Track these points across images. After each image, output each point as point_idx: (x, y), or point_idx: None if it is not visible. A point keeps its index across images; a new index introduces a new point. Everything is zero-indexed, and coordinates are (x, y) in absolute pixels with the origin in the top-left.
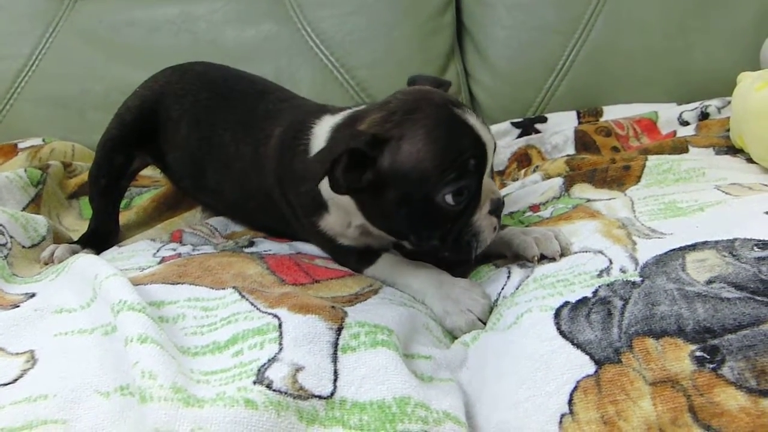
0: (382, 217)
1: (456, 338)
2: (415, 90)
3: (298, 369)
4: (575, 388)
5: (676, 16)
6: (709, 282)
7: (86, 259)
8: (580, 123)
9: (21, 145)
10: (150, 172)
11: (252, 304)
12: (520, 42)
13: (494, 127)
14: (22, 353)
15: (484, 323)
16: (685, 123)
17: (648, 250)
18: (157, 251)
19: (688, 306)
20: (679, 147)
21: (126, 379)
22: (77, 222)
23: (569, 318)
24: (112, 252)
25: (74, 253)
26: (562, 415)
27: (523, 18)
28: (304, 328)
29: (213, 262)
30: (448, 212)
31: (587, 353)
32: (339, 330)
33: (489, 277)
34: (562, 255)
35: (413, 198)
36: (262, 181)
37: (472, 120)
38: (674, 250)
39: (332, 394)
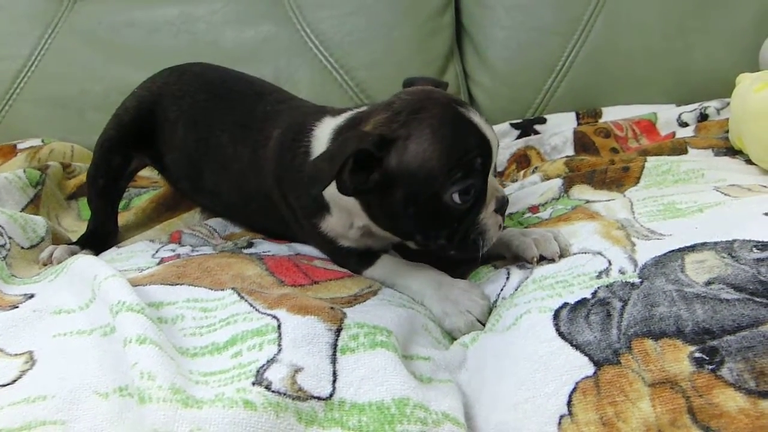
0: (389, 218)
1: (455, 339)
2: (418, 90)
3: (297, 370)
4: (574, 390)
5: (675, 17)
6: (708, 283)
7: (85, 260)
8: (579, 124)
9: (20, 146)
10: (148, 173)
11: (251, 305)
12: (519, 43)
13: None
14: (20, 354)
15: (483, 324)
16: (684, 124)
17: (647, 251)
18: (156, 252)
19: (687, 307)
20: (678, 148)
21: (125, 380)
22: (76, 223)
23: (568, 319)
24: (111, 253)
25: (73, 253)
26: (561, 417)
27: (522, 19)
28: (303, 329)
29: (212, 263)
30: (455, 211)
31: (586, 354)
32: (338, 331)
33: (488, 278)
34: (562, 256)
35: (420, 197)
36: (261, 183)
37: (477, 119)
38: (673, 251)
39: (331, 395)
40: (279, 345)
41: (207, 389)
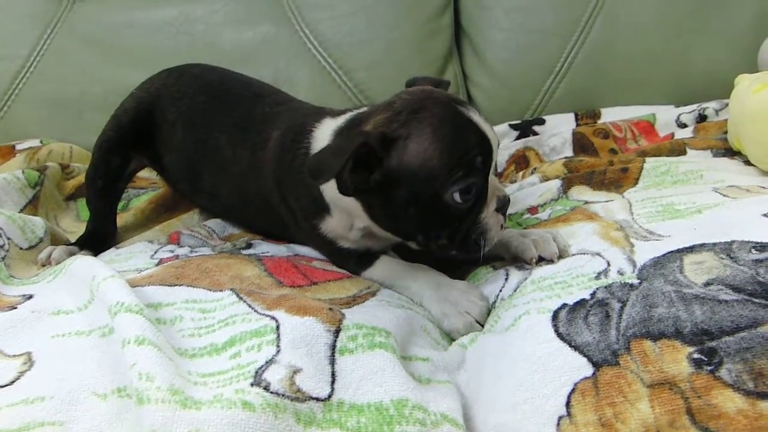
0: (390, 218)
1: (454, 340)
2: (418, 90)
3: (296, 371)
4: (573, 391)
5: (674, 19)
6: (707, 284)
7: (84, 260)
8: (578, 125)
9: (19, 147)
10: (147, 174)
11: (250, 306)
12: (518, 44)
13: None
14: (19, 355)
15: (482, 325)
16: (682, 125)
17: (646, 252)
18: (155, 253)
19: (686, 308)
20: (677, 149)
21: (123, 381)
22: (75, 224)
23: (567, 320)
24: (110, 254)
25: (72, 254)
26: (560, 418)
27: (521, 20)
28: (302, 330)
29: (211, 264)
30: (456, 210)
31: (585, 355)
32: (337, 332)
33: (487, 279)
34: (560, 257)
35: (421, 197)
36: (260, 185)
37: (477, 118)
38: (672, 252)
39: (330, 396)
40: (278, 346)
41: (205, 390)
